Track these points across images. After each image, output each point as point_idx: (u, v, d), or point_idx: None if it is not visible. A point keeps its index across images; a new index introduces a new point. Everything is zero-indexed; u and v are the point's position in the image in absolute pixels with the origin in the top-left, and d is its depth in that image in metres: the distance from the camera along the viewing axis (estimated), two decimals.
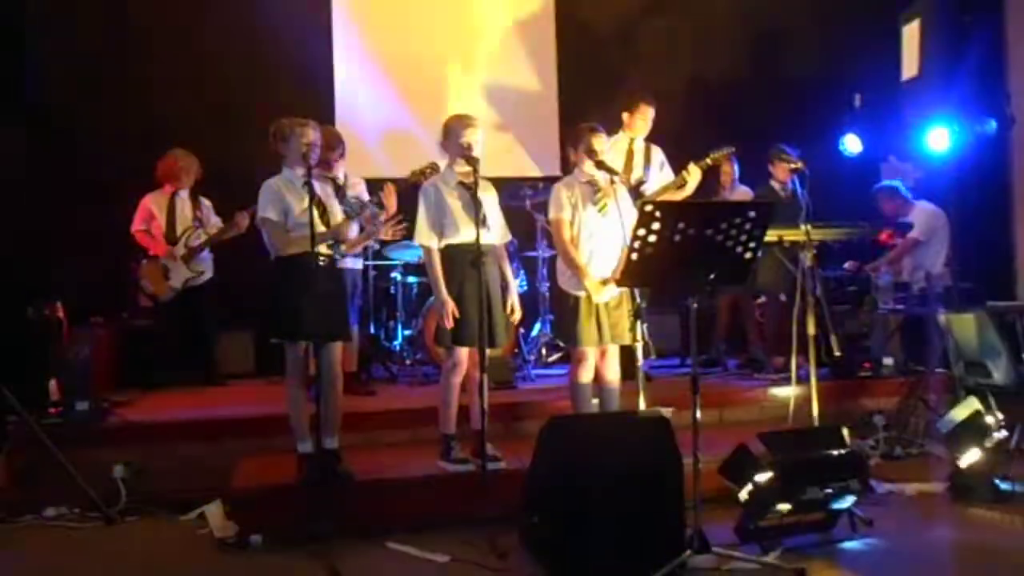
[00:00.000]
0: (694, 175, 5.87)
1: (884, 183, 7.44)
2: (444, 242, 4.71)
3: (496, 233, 4.81)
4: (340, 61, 8.08)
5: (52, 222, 6.92)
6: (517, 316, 4.88)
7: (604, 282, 4.75)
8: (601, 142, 4.83)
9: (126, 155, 7.13)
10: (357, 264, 6.25)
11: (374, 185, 6.03)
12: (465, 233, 4.63)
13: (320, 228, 4.39)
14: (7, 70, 6.84)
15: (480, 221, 4.48)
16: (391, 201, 5.06)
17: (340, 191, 5.85)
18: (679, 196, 5.87)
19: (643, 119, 6.18)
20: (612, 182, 4.82)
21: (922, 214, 7.04)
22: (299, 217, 4.47)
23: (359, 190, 6.02)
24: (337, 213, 4.72)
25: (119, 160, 7.16)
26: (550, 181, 6.84)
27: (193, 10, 7.64)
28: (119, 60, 7.47)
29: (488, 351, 4.61)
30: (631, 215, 4.72)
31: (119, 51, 7.48)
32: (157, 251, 6.75)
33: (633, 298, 4.61)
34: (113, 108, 7.38)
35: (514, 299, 4.85)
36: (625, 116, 6.23)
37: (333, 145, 5.85)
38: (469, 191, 4.61)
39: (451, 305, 4.62)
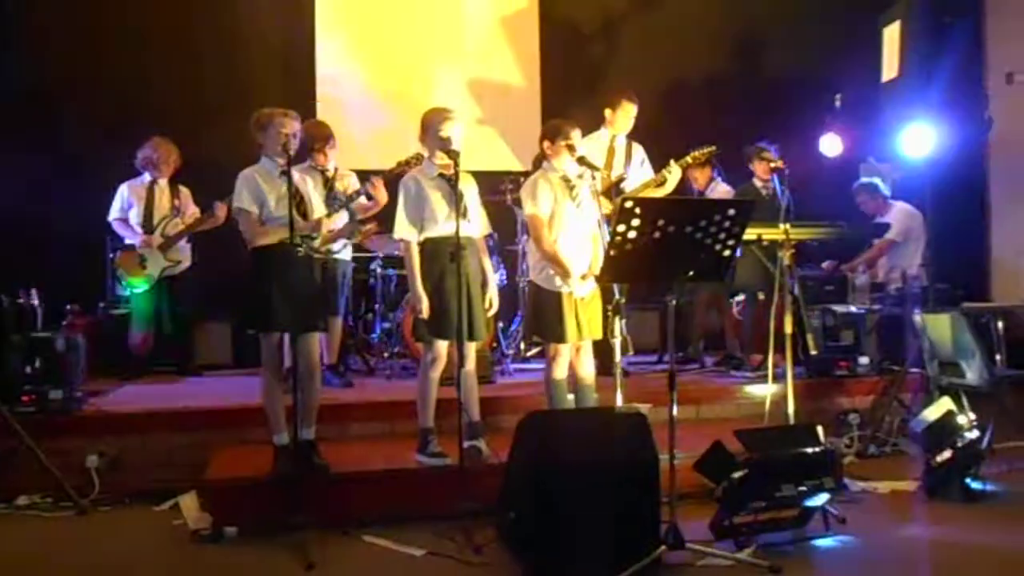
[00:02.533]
0: (674, 173, 5.91)
1: (864, 180, 7.49)
2: (424, 235, 4.69)
3: (476, 226, 4.80)
4: (323, 53, 8.04)
5: (28, 209, 6.85)
6: (494, 310, 4.88)
7: (583, 277, 4.77)
8: (578, 138, 4.85)
9: (105, 142, 7.07)
10: (347, 255, 6.25)
11: (361, 178, 6.06)
12: (445, 226, 4.61)
13: (297, 219, 4.36)
14: None
15: (460, 214, 4.47)
16: (380, 193, 5.06)
17: (329, 183, 5.85)
18: (659, 194, 5.90)
19: (625, 116, 6.19)
20: (592, 177, 4.83)
21: (899, 215, 7.09)
22: (274, 208, 4.45)
23: (349, 182, 6.01)
24: (318, 206, 4.69)
25: (97, 147, 7.09)
26: (531, 175, 6.85)
27: (177, 1, 7.58)
28: (99, 49, 7.39)
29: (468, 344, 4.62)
30: (594, 210, 4.76)
31: (99, 40, 7.41)
32: (134, 240, 6.70)
33: (612, 294, 4.63)
34: (92, 95, 7.31)
35: (492, 293, 4.85)
36: (607, 112, 6.24)
37: (323, 137, 5.84)
38: (449, 183, 4.60)
39: (426, 300, 4.61)
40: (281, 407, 4.53)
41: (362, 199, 5.37)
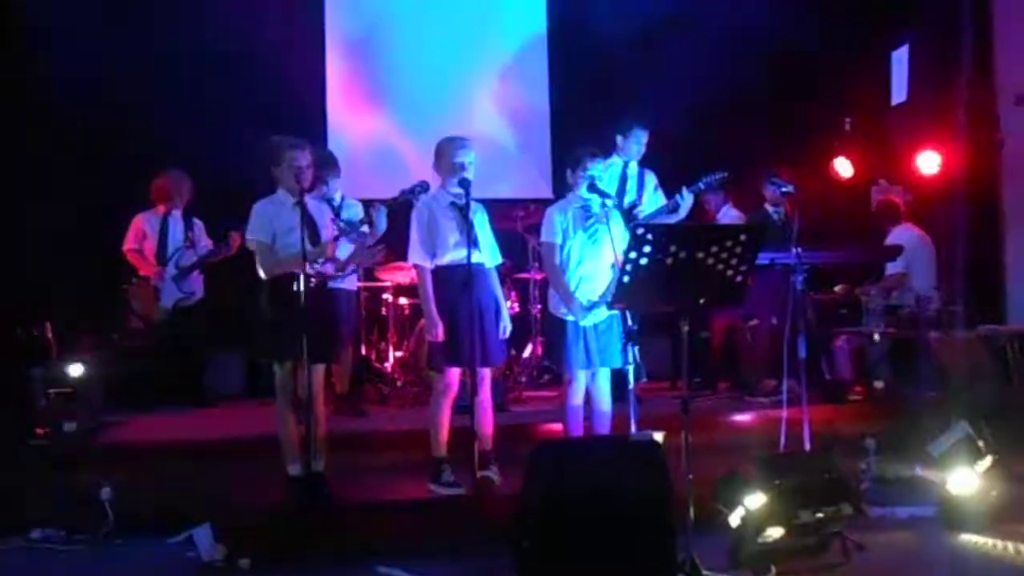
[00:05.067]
0: (687, 200, 5.90)
1: (884, 198, 7.45)
2: (435, 263, 4.71)
3: (487, 255, 4.81)
4: (333, 82, 8.10)
5: (42, 240, 6.89)
6: (506, 334, 4.88)
7: (591, 306, 4.76)
8: (598, 168, 4.87)
9: (119, 173, 7.12)
10: (352, 286, 6.25)
11: (366, 206, 6.06)
12: (456, 254, 4.63)
13: (307, 247, 4.38)
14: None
15: (472, 242, 4.48)
16: (381, 221, 5.07)
17: (335, 212, 5.87)
18: (671, 220, 5.89)
19: (637, 143, 6.19)
20: (603, 205, 4.85)
21: (906, 241, 7.02)
22: (287, 238, 4.47)
23: (356, 211, 6.03)
24: (327, 234, 4.72)
25: (112, 178, 7.14)
26: (541, 203, 6.85)
27: (186, 30, 7.65)
28: (111, 78, 7.46)
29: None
30: (623, 239, 4.76)
31: (113, 71, 7.48)
32: (148, 271, 6.73)
33: (625, 321, 4.62)
34: (106, 126, 7.37)
35: (506, 320, 4.85)
36: (619, 139, 6.25)
37: (329, 165, 5.86)
38: (461, 212, 4.62)
39: (440, 325, 4.61)
40: (295, 437, 4.53)
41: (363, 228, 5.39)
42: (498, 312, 4.84)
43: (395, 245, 5.19)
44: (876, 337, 6.30)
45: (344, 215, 5.86)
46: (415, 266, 4.76)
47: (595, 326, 4.78)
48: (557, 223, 4.84)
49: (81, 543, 4.70)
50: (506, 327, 4.86)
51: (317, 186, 5.81)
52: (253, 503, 4.62)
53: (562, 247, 4.83)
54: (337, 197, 5.97)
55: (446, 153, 4.73)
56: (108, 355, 6.77)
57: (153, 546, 4.69)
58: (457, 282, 4.60)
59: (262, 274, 4.54)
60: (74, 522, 4.75)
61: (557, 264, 4.82)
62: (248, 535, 4.34)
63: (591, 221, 4.83)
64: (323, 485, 4.56)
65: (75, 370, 5.47)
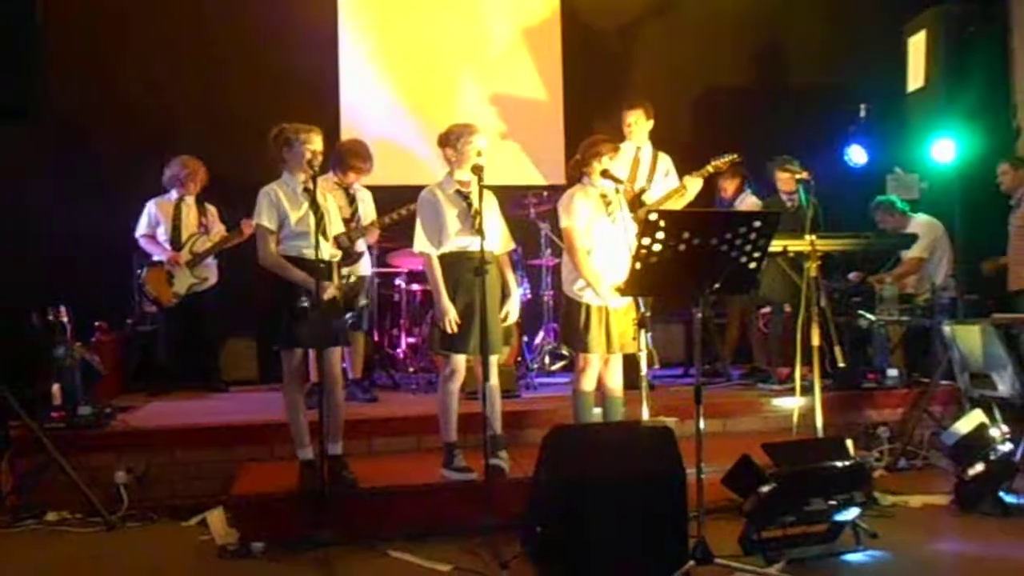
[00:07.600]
0: (694, 183, 5.89)
1: (880, 198, 7.41)
2: (440, 250, 4.70)
3: (496, 241, 4.79)
4: (346, 70, 8.09)
5: (57, 226, 6.93)
6: (510, 321, 4.84)
7: (617, 289, 4.76)
8: (611, 159, 4.86)
9: (132, 159, 7.15)
10: (367, 271, 6.26)
11: (377, 194, 6.12)
12: (460, 241, 4.63)
13: (320, 236, 4.37)
14: (17, 72, 6.86)
15: (478, 229, 4.45)
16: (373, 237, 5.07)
17: (352, 201, 5.94)
18: (680, 204, 5.88)
19: (637, 127, 6.12)
20: (616, 191, 4.84)
21: (922, 229, 6.99)
22: (296, 225, 4.46)
23: (365, 202, 6.09)
24: (337, 224, 4.73)
25: (125, 164, 7.17)
26: (554, 190, 6.84)
27: (200, 18, 7.66)
28: (126, 65, 7.48)
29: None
30: (630, 225, 4.76)
31: (126, 57, 7.50)
32: (161, 257, 6.76)
33: (638, 307, 4.62)
34: (120, 112, 7.39)
35: (510, 306, 4.80)
36: (624, 126, 6.21)
37: (365, 157, 5.90)
38: (467, 200, 4.62)
39: (453, 312, 4.61)
40: (305, 422, 4.54)
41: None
42: (505, 299, 4.82)
43: (406, 232, 5.19)
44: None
45: (358, 203, 5.93)
46: (422, 254, 4.74)
47: (614, 310, 4.78)
48: (580, 206, 4.83)
49: (96, 526, 4.75)
50: (508, 312, 4.80)
51: (341, 173, 5.88)
52: (266, 487, 4.64)
53: (585, 231, 4.82)
54: (355, 187, 6.01)
55: (456, 140, 4.71)
56: (122, 340, 6.83)
57: (167, 529, 4.74)
58: (461, 269, 4.59)
59: (261, 260, 4.51)
60: (89, 505, 4.79)
61: (582, 247, 4.81)
62: (261, 519, 4.37)
63: (611, 207, 4.83)
64: (345, 467, 4.57)
65: (90, 355, 5.50)
